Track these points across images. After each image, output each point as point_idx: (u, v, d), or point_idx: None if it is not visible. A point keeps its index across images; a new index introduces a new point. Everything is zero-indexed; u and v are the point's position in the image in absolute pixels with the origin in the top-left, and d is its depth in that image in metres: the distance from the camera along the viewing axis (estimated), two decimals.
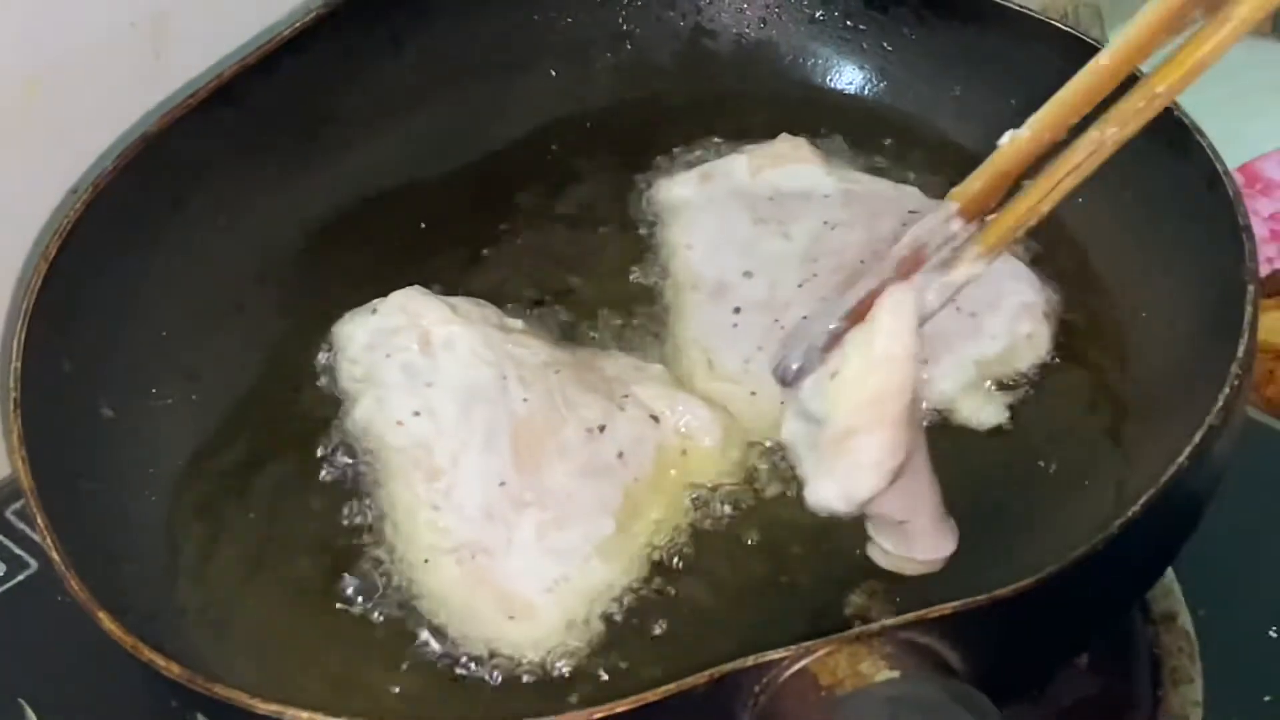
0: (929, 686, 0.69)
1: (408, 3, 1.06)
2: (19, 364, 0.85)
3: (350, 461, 0.90)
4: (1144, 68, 0.75)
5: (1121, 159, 0.96)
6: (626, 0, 1.12)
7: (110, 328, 0.92)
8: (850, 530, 0.82)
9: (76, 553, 0.79)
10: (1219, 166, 0.89)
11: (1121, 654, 0.93)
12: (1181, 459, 0.76)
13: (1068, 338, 0.94)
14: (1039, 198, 0.76)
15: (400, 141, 1.06)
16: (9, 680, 0.96)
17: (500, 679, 0.81)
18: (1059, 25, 1.01)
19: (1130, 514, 0.74)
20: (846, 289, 0.79)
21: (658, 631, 0.83)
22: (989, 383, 0.92)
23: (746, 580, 0.85)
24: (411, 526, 0.87)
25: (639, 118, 1.10)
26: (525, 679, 0.81)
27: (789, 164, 1.03)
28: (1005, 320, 0.93)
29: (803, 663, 0.71)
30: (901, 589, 0.83)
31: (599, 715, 0.70)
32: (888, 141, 1.06)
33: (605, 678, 0.81)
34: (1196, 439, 0.77)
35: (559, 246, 1.02)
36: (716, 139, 1.07)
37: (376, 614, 0.84)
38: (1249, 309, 0.82)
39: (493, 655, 0.82)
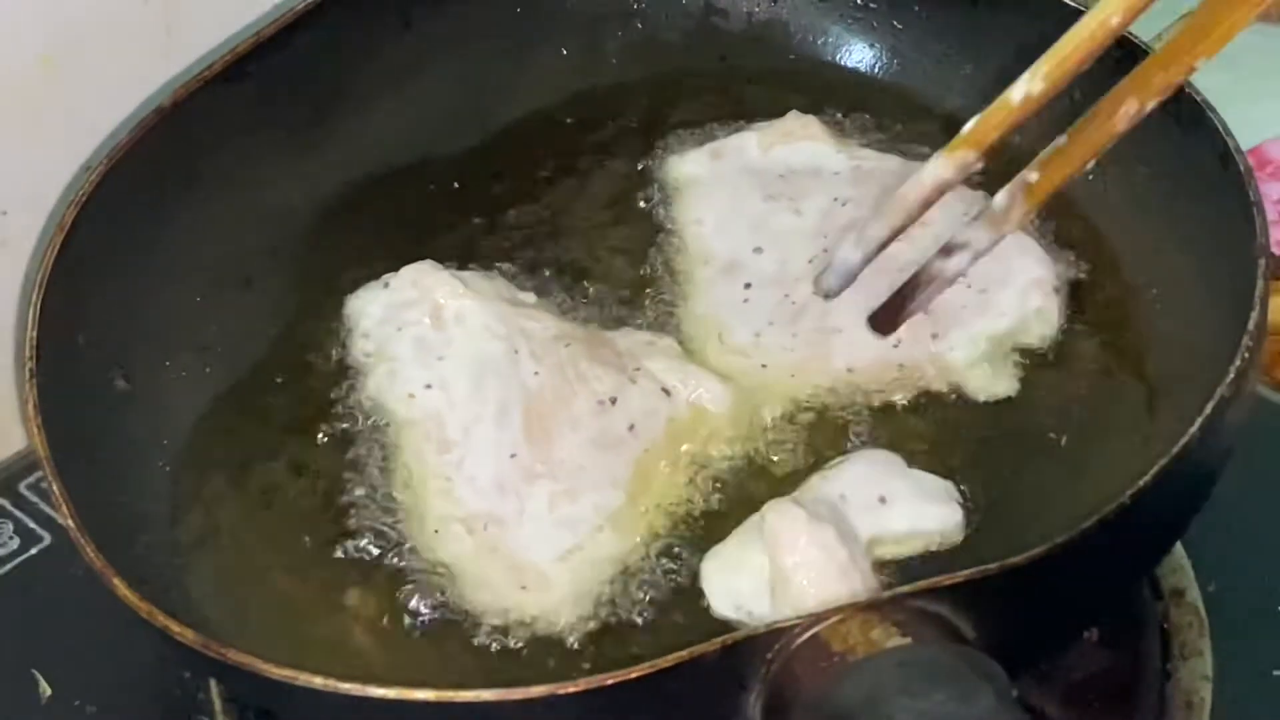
0: (940, 652, 0.69)
1: None
2: (35, 334, 0.85)
3: (362, 434, 0.91)
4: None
5: (1134, 136, 0.96)
6: None
7: (124, 300, 0.93)
8: None
9: (91, 521, 0.79)
10: (1230, 143, 0.89)
11: (1131, 629, 0.93)
12: (1194, 429, 0.76)
13: (1078, 312, 0.94)
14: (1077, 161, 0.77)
15: (411, 118, 1.06)
16: (23, 652, 0.97)
17: (513, 647, 0.82)
18: (1069, 3, 1.01)
19: (1141, 484, 0.75)
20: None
21: (669, 601, 0.84)
22: (1000, 357, 0.92)
23: None
24: (424, 498, 0.87)
25: (649, 95, 1.10)
26: (538, 648, 0.82)
27: (799, 141, 1.03)
28: (1015, 295, 0.93)
29: (814, 630, 0.71)
30: (912, 558, 0.83)
31: (611, 681, 0.70)
32: (898, 119, 1.06)
33: (617, 646, 0.82)
34: (1208, 409, 0.77)
35: (570, 222, 1.02)
36: (727, 116, 1.07)
37: (388, 584, 0.85)
38: (1260, 283, 0.82)
39: (505, 624, 0.83)
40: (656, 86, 1.10)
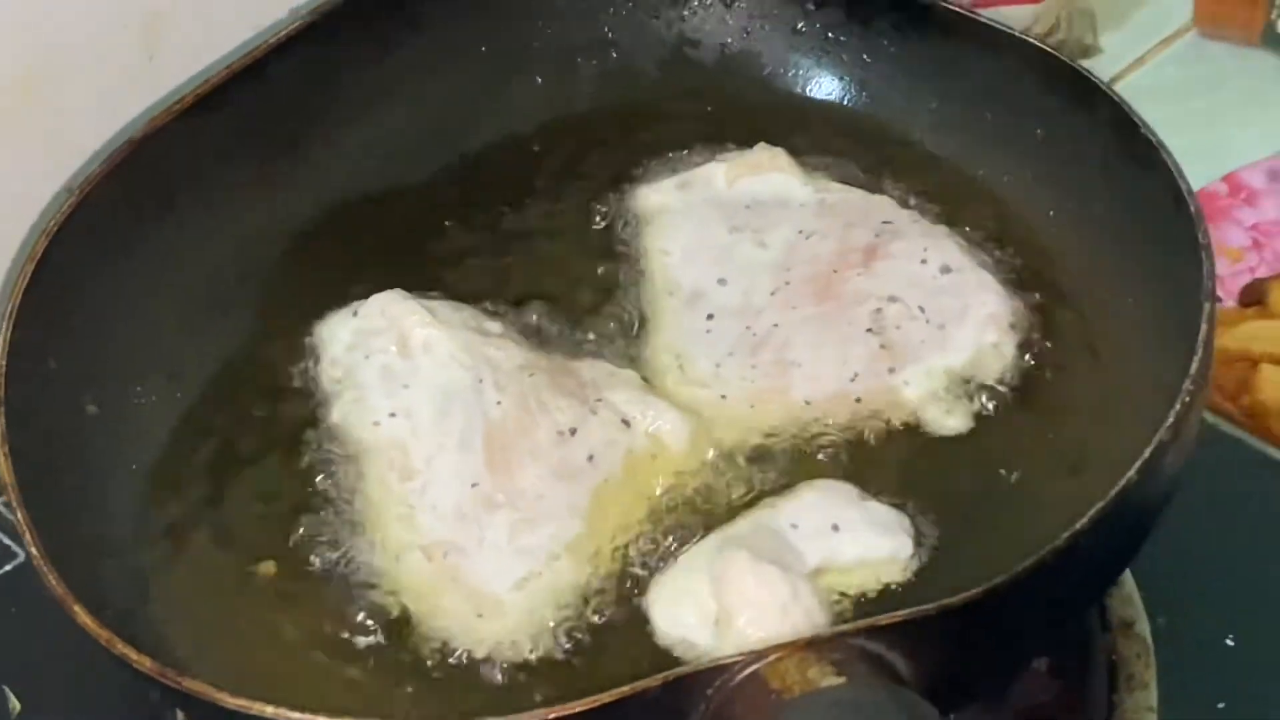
0: (873, 693, 0.71)
1: (394, 11, 1.07)
2: (4, 361, 0.87)
3: (327, 461, 0.92)
4: None
5: (1090, 174, 0.98)
6: (612, 8, 1.13)
7: (96, 326, 0.94)
8: None
9: (56, 548, 0.81)
10: (1183, 185, 0.90)
11: (1079, 659, 0.94)
12: (1130, 473, 0.78)
13: (1034, 348, 0.95)
14: None
15: (384, 146, 1.08)
16: None
17: (466, 676, 0.83)
18: (1034, 43, 1.02)
19: (1078, 527, 0.76)
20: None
21: (623, 631, 0.85)
22: (956, 391, 0.94)
23: None
24: (385, 525, 0.89)
25: (622, 124, 1.11)
26: (491, 676, 0.83)
27: (766, 172, 1.04)
28: (972, 330, 0.94)
29: (754, 667, 0.72)
30: (866, 592, 0.85)
31: (553, 716, 0.72)
32: (866, 152, 1.07)
33: (569, 677, 0.83)
34: (1146, 454, 0.78)
35: (539, 251, 1.04)
36: (698, 146, 1.08)
37: (349, 611, 0.86)
38: (1204, 327, 0.83)
39: (460, 651, 0.84)
40: (629, 116, 1.12)
